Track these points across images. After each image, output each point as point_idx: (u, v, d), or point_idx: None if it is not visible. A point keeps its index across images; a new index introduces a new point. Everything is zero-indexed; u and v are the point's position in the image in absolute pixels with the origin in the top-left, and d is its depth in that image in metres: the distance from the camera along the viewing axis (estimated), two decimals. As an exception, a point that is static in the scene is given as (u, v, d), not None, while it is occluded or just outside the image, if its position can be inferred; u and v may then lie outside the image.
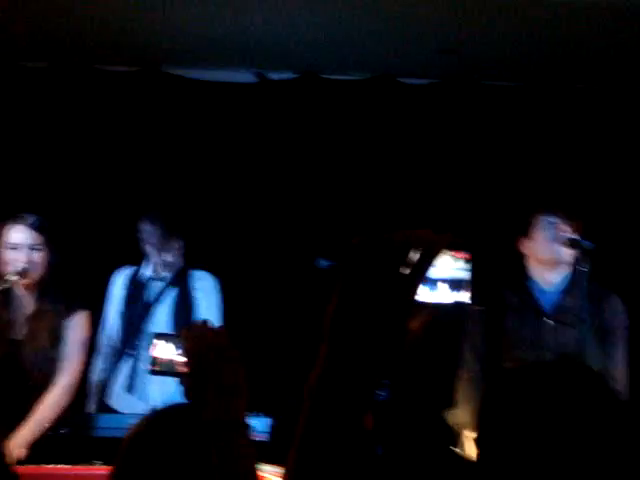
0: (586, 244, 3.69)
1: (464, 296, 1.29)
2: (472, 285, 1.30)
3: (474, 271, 1.31)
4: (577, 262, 3.73)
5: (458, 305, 1.31)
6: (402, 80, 5.91)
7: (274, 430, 3.69)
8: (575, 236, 3.76)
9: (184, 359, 1.91)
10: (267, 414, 3.92)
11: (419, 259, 1.18)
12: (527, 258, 3.97)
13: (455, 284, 1.29)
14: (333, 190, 5.75)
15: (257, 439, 3.94)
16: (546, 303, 3.91)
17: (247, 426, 1.84)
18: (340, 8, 4.93)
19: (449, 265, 1.26)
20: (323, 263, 4.78)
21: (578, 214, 3.91)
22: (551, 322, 3.85)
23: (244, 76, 5.88)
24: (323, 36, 5.36)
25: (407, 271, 1.18)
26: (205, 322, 1.98)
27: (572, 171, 5.76)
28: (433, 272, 1.22)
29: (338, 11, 4.98)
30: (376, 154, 5.83)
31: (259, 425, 3.83)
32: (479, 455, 1.46)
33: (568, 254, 3.79)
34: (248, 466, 1.79)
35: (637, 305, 4.47)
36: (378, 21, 5.09)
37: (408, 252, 1.18)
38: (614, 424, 1.40)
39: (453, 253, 1.29)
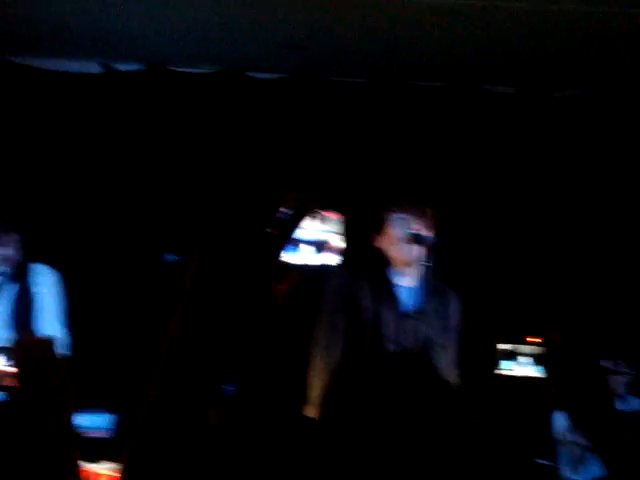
0: (429, 240, 3.75)
1: (328, 258, 1.29)
2: (346, 246, 1.29)
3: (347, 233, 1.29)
4: (423, 258, 3.78)
5: (325, 267, 1.30)
6: (251, 74, 5.91)
7: (117, 427, 3.63)
8: (419, 232, 3.81)
9: (14, 370, 1.86)
10: (110, 410, 3.86)
11: (287, 218, 1.16)
12: (384, 253, 3.99)
13: (319, 246, 1.28)
14: (179, 185, 5.70)
15: (100, 436, 3.90)
16: (404, 299, 3.96)
17: (76, 436, 1.81)
18: (189, 1, 4.89)
19: (313, 227, 1.25)
20: (170, 258, 4.74)
21: (429, 210, 3.96)
22: (406, 317, 3.90)
23: (90, 66, 5.75)
24: (171, 28, 5.31)
25: (274, 230, 1.16)
26: (32, 333, 1.93)
27: (423, 167, 5.90)
28: (298, 234, 1.20)
29: (187, 4, 4.94)
30: (222, 147, 5.81)
31: (102, 422, 3.78)
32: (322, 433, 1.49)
33: (415, 252, 3.84)
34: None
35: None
36: (226, 15, 5.08)
37: (274, 212, 1.16)
38: (443, 415, 1.45)
39: (324, 213, 1.28)
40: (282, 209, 1.11)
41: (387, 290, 3.91)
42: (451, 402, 1.50)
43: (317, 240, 1.20)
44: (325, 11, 4.97)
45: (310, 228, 1.19)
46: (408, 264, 3.88)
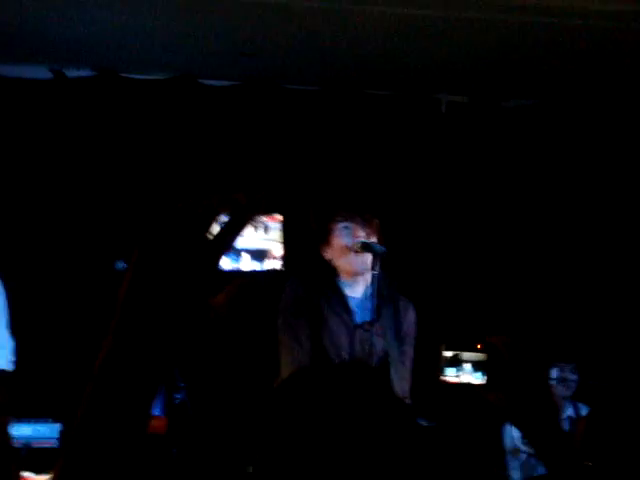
0: (377, 248, 3.74)
1: (268, 265, 1.26)
2: (286, 252, 1.26)
3: (290, 237, 1.27)
4: (372, 266, 3.76)
5: (268, 274, 1.27)
6: (203, 81, 5.90)
7: (63, 436, 3.59)
8: (367, 240, 3.80)
9: None
10: (56, 420, 3.82)
11: (227, 224, 1.12)
12: (333, 264, 3.96)
13: (258, 254, 1.25)
14: (131, 191, 5.67)
15: (46, 446, 3.86)
16: (356, 310, 3.93)
17: (13, 448, 1.78)
18: (141, 7, 4.87)
19: (253, 235, 1.21)
20: (120, 266, 4.70)
21: (374, 218, 3.93)
22: (360, 330, 3.89)
23: (40, 72, 5.70)
24: (123, 34, 5.28)
25: (212, 237, 1.11)
26: None
27: (373, 175, 5.92)
28: (238, 242, 1.14)
29: (139, 11, 4.92)
30: (174, 154, 5.79)
31: (48, 431, 3.75)
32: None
33: (363, 261, 3.82)
34: None
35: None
36: (178, 22, 5.07)
37: (214, 217, 1.12)
38: (389, 425, 1.45)
39: (267, 218, 1.24)
40: (223, 216, 1.08)
41: (338, 301, 3.89)
42: (401, 415, 1.50)
43: (259, 249, 1.18)
44: (277, 19, 4.98)
45: (251, 237, 1.17)
46: (356, 274, 3.87)
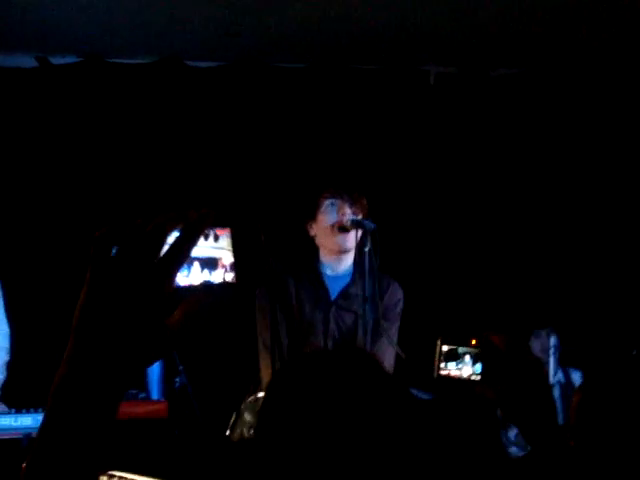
0: (368, 225, 3.74)
1: (218, 275, 1.25)
2: (237, 264, 1.26)
3: (239, 248, 1.26)
4: (361, 243, 3.77)
5: (222, 286, 1.26)
6: (189, 63, 5.87)
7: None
8: (357, 217, 3.80)
9: None
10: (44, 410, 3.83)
11: (175, 241, 1.10)
12: (317, 242, 3.96)
13: (208, 263, 1.24)
14: (116, 179, 5.65)
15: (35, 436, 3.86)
16: (334, 290, 3.94)
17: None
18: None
19: (201, 243, 1.20)
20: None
21: (362, 196, 3.93)
22: (335, 307, 3.89)
23: (25, 60, 5.67)
24: (107, 18, 5.24)
25: (163, 256, 1.09)
26: None
27: (360, 151, 5.90)
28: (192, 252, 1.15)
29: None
30: (164, 138, 5.77)
31: (36, 422, 3.75)
32: (262, 443, 1.48)
33: (349, 239, 3.82)
34: None
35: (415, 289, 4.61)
36: (162, 4, 5.03)
37: (164, 235, 1.09)
38: (387, 407, 1.45)
39: (217, 230, 1.23)
40: (174, 233, 1.07)
41: (314, 280, 3.90)
42: (393, 393, 1.50)
43: (209, 257, 1.18)
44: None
45: (201, 245, 1.17)
46: (341, 251, 3.87)
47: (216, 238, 1.23)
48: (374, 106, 6.00)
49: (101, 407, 1.08)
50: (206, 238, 1.21)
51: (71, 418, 1.07)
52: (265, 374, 3.81)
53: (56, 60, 5.71)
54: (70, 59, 5.73)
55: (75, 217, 5.55)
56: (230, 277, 1.26)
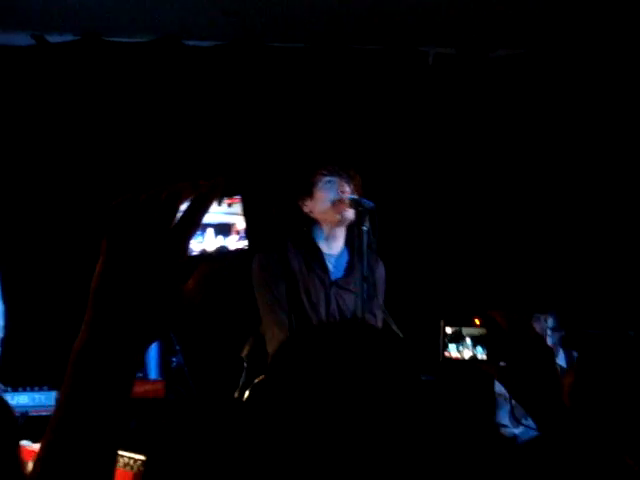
0: (367, 204, 3.74)
1: (232, 241, 1.25)
2: (249, 230, 1.26)
3: (250, 216, 1.26)
4: (358, 222, 3.76)
5: (236, 252, 1.26)
6: (187, 42, 5.84)
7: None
8: (355, 196, 3.81)
9: None
10: (54, 387, 3.83)
11: (187, 209, 1.12)
12: (313, 220, 3.96)
13: (222, 228, 1.24)
14: (114, 158, 5.64)
15: (44, 414, 3.87)
16: (332, 267, 3.95)
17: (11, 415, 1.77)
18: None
19: (214, 209, 1.20)
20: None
21: (357, 174, 3.94)
22: (336, 287, 3.90)
23: (21, 39, 5.64)
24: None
25: (176, 224, 1.11)
26: None
27: (357, 130, 5.89)
28: (204, 219, 1.16)
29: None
30: (161, 117, 5.75)
31: (46, 399, 3.75)
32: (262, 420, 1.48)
33: (347, 215, 3.83)
34: None
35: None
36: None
37: (176, 204, 1.12)
38: (392, 378, 1.44)
39: (226, 200, 1.23)
40: (184, 199, 1.07)
41: (315, 259, 3.90)
42: (397, 367, 1.49)
43: (222, 223, 1.18)
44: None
45: (215, 211, 1.17)
46: (338, 228, 3.88)
47: (229, 204, 1.24)
48: (372, 86, 5.98)
49: (121, 375, 1.09)
50: (219, 203, 1.22)
51: (93, 387, 1.08)
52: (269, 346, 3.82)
53: (53, 38, 5.69)
54: (67, 37, 5.71)
55: (71, 196, 5.53)
56: (243, 244, 1.26)
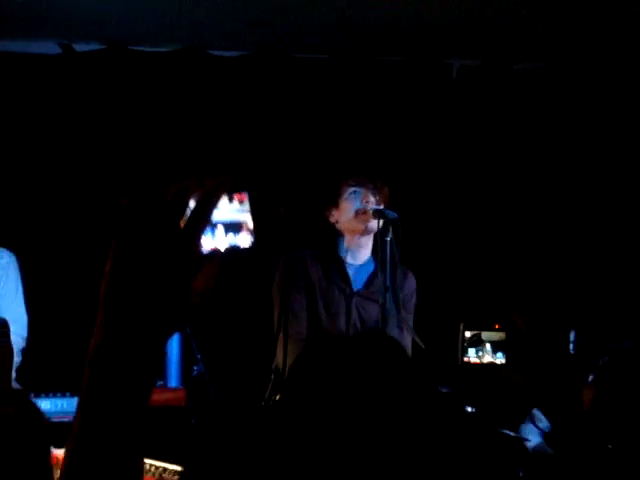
0: (391, 214, 3.75)
1: (243, 238, 1.25)
2: (255, 228, 1.25)
3: (257, 213, 1.26)
4: (382, 233, 3.77)
5: (246, 251, 1.25)
6: (212, 52, 5.86)
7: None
8: (379, 206, 3.82)
9: None
10: (75, 393, 3.83)
11: (195, 207, 1.12)
12: (338, 230, 3.97)
13: (232, 226, 1.23)
14: (140, 164, 5.66)
15: (66, 420, 3.88)
16: (354, 278, 3.95)
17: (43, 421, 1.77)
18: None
19: (225, 207, 1.20)
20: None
21: (384, 186, 3.95)
22: (357, 297, 3.89)
23: (48, 47, 5.68)
24: (130, 6, 5.25)
25: (185, 223, 1.11)
26: None
27: (381, 142, 5.89)
28: (214, 216, 1.16)
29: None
30: (185, 126, 5.77)
31: (67, 405, 3.76)
32: (281, 432, 1.48)
33: (372, 226, 3.83)
34: None
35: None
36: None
37: (185, 202, 1.12)
38: (410, 389, 1.44)
39: (235, 196, 1.23)
40: (192, 202, 1.06)
41: (336, 269, 3.90)
42: (415, 379, 1.49)
43: (234, 221, 1.18)
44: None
45: (226, 208, 1.16)
46: (362, 239, 3.88)
47: (241, 201, 1.23)
48: (396, 98, 5.98)
49: (138, 375, 1.08)
50: (230, 201, 1.22)
51: (110, 389, 1.07)
52: (279, 357, 3.81)
53: (79, 47, 5.72)
54: (93, 46, 5.74)
55: (96, 205, 5.55)
56: (251, 240, 1.26)
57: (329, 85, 5.94)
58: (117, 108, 5.69)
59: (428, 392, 1.44)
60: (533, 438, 5.01)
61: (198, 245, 1.13)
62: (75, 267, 5.46)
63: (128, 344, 1.08)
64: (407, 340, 3.82)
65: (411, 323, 3.92)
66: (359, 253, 3.96)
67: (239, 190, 1.23)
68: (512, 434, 3.92)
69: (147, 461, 3.44)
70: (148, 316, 1.09)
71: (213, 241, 1.20)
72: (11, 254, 4.52)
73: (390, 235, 3.73)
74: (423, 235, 5.67)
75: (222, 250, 1.21)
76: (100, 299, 1.11)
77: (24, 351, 4.36)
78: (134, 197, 1.12)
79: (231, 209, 1.22)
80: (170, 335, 1.12)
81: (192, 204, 1.12)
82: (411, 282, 4.00)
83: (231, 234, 1.23)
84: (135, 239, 1.10)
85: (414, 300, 3.99)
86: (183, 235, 1.11)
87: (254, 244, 1.26)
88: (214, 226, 1.19)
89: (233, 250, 1.23)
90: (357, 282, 3.94)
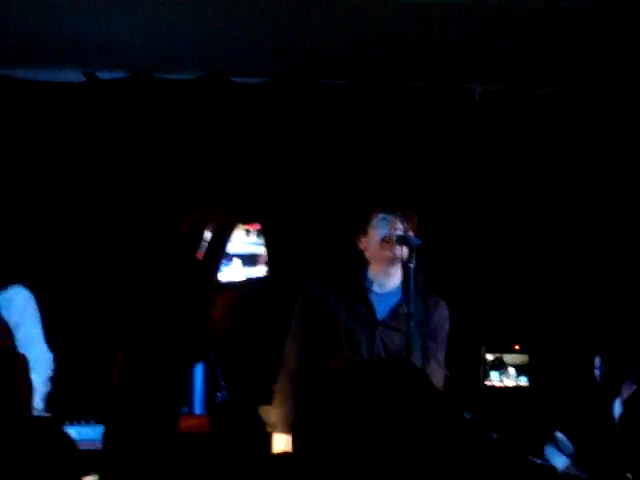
0: (414, 241, 3.75)
1: (259, 271, 1.26)
2: (269, 258, 1.27)
3: (272, 244, 1.27)
4: (407, 260, 3.77)
5: (261, 281, 1.27)
6: (235, 79, 5.90)
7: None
8: (403, 233, 3.81)
9: None
10: (101, 421, 3.83)
11: (212, 239, 1.13)
12: (365, 257, 3.98)
13: (249, 259, 1.25)
14: (163, 192, 5.68)
15: (91, 447, 3.88)
16: (380, 308, 3.94)
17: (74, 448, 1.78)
18: (169, 6, 4.88)
19: (242, 240, 1.22)
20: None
21: (412, 211, 3.96)
22: (382, 327, 3.88)
23: (73, 75, 5.73)
24: (154, 35, 5.30)
25: (202, 254, 1.12)
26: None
27: (408, 168, 5.89)
28: (230, 248, 1.17)
29: (168, 9, 4.93)
30: (210, 153, 5.80)
31: (93, 433, 3.76)
32: (304, 453, 1.47)
33: (398, 253, 3.83)
34: None
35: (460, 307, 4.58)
36: (208, 20, 5.07)
37: (201, 234, 1.13)
38: (434, 416, 1.44)
39: (247, 226, 1.24)
40: (207, 228, 1.06)
41: (359, 298, 3.89)
42: (438, 405, 1.48)
43: (250, 253, 1.18)
44: (307, 12, 4.95)
45: (243, 241, 1.16)
46: (390, 267, 3.88)
47: (258, 234, 1.25)
48: (418, 123, 5.98)
49: (163, 407, 1.09)
50: (248, 234, 1.23)
51: (134, 423, 1.08)
52: (278, 399, 3.84)
53: (103, 75, 5.77)
54: (117, 74, 5.79)
55: (117, 230, 5.58)
56: (265, 271, 1.27)
57: (351, 111, 5.95)
58: (141, 136, 5.72)
59: (452, 418, 1.43)
60: (558, 462, 4.96)
61: (215, 276, 1.13)
62: (99, 295, 5.47)
63: (150, 377, 1.09)
64: (432, 369, 3.79)
65: (441, 355, 3.88)
66: (387, 282, 3.95)
67: (253, 221, 1.25)
68: (539, 461, 3.89)
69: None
70: (168, 347, 1.09)
71: (230, 273, 1.21)
72: (25, 290, 4.43)
73: (414, 262, 3.72)
74: (442, 258, 5.65)
75: (239, 281, 1.22)
76: (120, 331, 1.11)
77: (52, 379, 4.33)
78: (150, 230, 1.13)
79: (248, 242, 1.23)
80: (191, 366, 1.13)
81: (208, 235, 1.13)
82: (442, 310, 3.97)
83: (247, 267, 1.24)
84: (153, 271, 1.11)
85: (447, 328, 3.96)
86: (201, 266, 1.11)
87: (269, 275, 1.27)
88: (230, 259, 1.20)
89: (250, 281, 1.24)
90: (382, 312, 3.93)
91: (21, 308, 4.30)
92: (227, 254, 1.16)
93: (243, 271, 1.24)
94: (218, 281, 1.14)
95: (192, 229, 1.13)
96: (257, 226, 1.25)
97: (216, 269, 1.13)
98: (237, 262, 1.23)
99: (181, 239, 1.12)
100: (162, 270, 1.10)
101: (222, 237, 1.14)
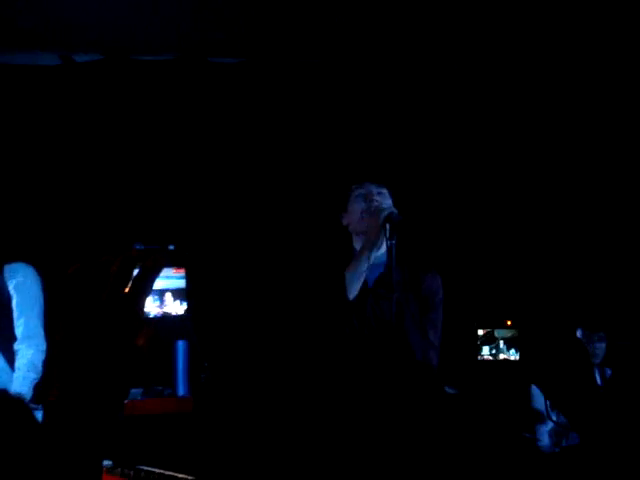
0: (394, 216, 3.80)
1: (183, 306, 1.38)
2: (189, 298, 1.39)
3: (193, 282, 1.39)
4: (387, 234, 3.82)
5: (178, 316, 1.39)
6: (211, 59, 5.87)
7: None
8: (381, 205, 3.89)
9: None
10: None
11: (138, 275, 1.19)
12: (350, 230, 4.08)
13: (180, 293, 1.37)
14: (147, 174, 5.67)
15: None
16: (369, 278, 4.00)
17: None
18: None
19: (170, 275, 1.34)
20: (138, 247, 4.70)
21: (384, 186, 4.05)
22: (373, 297, 3.94)
23: (48, 58, 5.69)
24: (130, 15, 5.26)
25: (128, 290, 1.18)
26: None
27: (385, 143, 5.90)
28: (159, 284, 1.25)
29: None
30: (189, 134, 5.78)
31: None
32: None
33: (375, 225, 3.89)
34: None
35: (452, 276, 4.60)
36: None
37: (129, 271, 1.19)
38: (414, 391, 1.44)
39: (174, 270, 1.36)
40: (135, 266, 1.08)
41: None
42: (425, 380, 1.49)
43: (181, 288, 1.22)
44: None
45: (174, 277, 1.21)
46: (373, 238, 3.94)
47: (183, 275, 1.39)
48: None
49: (94, 423, 1.13)
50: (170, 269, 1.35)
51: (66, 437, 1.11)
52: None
53: (79, 58, 5.73)
54: (93, 56, 5.74)
55: (95, 220, 5.57)
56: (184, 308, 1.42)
57: (325, 90, 5.94)
58: (117, 117, 5.70)
59: (434, 394, 1.43)
60: (545, 439, 4.99)
61: (142, 310, 1.19)
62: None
63: (80, 400, 1.14)
64: (430, 338, 3.86)
65: (439, 322, 3.97)
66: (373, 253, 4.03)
67: (177, 265, 1.38)
68: (529, 435, 3.92)
69: (155, 470, 3.44)
70: (97, 374, 1.15)
71: (161, 308, 1.33)
72: (27, 267, 4.43)
73: (394, 237, 3.77)
74: (433, 235, 5.67)
75: (155, 315, 1.35)
76: (52, 360, 1.18)
77: (37, 386, 4.30)
78: (80, 267, 1.19)
79: (175, 276, 1.36)
80: (119, 397, 1.18)
81: (135, 272, 1.19)
82: (433, 279, 4.06)
83: (178, 301, 1.37)
84: (83, 308, 1.17)
85: (439, 297, 4.04)
86: (127, 301, 1.17)
87: (187, 310, 1.41)
88: (162, 294, 1.33)
89: (165, 316, 1.38)
90: (370, 280, 4.02)
91: (19, 286, 4.36)
92: (158, 290, 1.28)
93: (173, 305, 1.36)
94: (143, 313, 1.20)
95: (122, 267, 1.18)
96: (181, 270, 1.39)
97: (140, 304, 1.19)
98: (169, 296, 1.36)
99: (110, 276, 1.18)
100: (88, 305, 1.17)
101: (148, 275, 1.19)
